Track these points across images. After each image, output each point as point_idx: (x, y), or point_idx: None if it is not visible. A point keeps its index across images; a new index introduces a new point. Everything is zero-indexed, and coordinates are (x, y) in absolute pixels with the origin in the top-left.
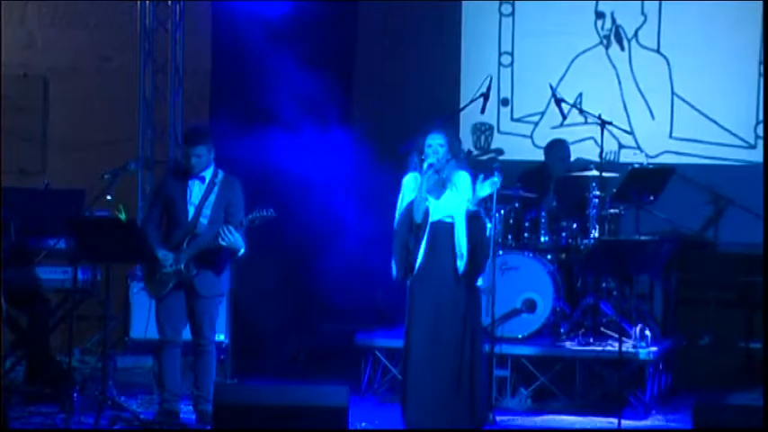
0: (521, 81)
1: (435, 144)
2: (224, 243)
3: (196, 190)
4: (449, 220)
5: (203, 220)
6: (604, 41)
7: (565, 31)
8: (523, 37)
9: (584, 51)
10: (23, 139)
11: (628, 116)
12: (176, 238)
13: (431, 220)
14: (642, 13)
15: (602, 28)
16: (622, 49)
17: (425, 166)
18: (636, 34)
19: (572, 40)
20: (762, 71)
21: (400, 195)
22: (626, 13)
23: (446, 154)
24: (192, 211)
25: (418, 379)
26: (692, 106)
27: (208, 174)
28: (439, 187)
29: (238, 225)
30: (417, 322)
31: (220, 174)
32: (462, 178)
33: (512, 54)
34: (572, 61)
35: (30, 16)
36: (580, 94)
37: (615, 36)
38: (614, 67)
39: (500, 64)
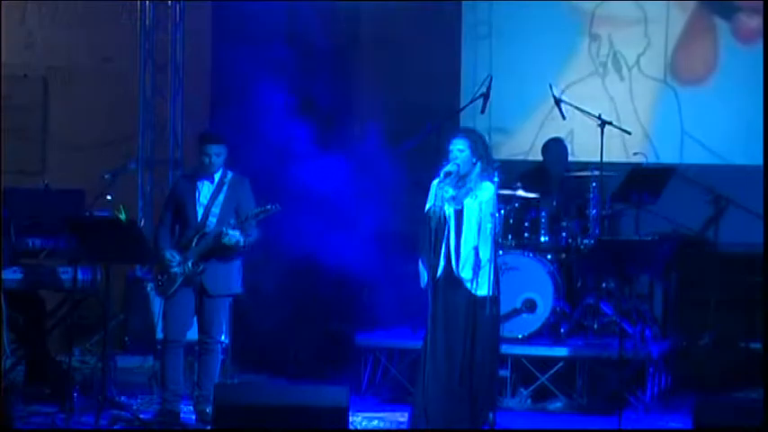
0: (500, 116)
1: (455, 150)
2: (227, 242)
3: (205, 190)
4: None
5: (212, 219)
6: (600, 70)
7: (552, 56)
8: (502, 63)
9: (575, 82)
10: (23, 139)
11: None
12: (186, 238)
13: (449, 225)
14: (645, 35)
15: (598, 54)
16: (622, 78)
17: (442, 174)
18: (638, 61)
19: (561, 68)
20: None
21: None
22: (626, 35)
23: (469, 159)
24: (201, 211)
25: (435, 383)
26: (706, 147)
27: (217, 174)
28: (462, 195)
29: (244, 221)
30: (435, 327)
31: (229, 174)
32: (485, 190)
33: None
34: (561, 93)
35: (30, 16)
36: (571, 131)
37: (613, 63)
38: (612, 99)
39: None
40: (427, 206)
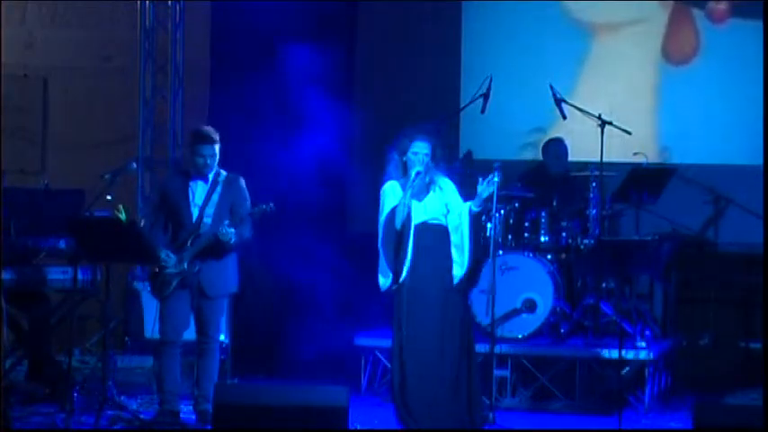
0: (489, 133)
1: (422, 154)
2: (222, 237)
3: (199, 190)
4: (434, 221)
5: (207, 220)
6: (598, 69)
7: (551, 55)
8: (506, 63)
9: (574, 81)
10: (23, 139)
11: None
12: (181, 239)
13: (414, 222)
14: (638, 34)
15: (595, 54)
16: (620, 77)
17: (413, 174)
18: (634, 59)
19: (560, 67)
20: None
21: (381, 204)
22: (621, 35)
23: (430, 161)
24: (195, 212)
25: (417, 384)
26: (705, 146)
27: (211, 174)
28: (422, 190)
29: (240, 221)
30: (410, 328)
31: (222, 174)
32: (446, 182)
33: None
34: (560, 93)
35: (30, 16)
36: (571, 131)
37: (611, 63)
38: (611, 98)
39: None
40: (385, 208)
